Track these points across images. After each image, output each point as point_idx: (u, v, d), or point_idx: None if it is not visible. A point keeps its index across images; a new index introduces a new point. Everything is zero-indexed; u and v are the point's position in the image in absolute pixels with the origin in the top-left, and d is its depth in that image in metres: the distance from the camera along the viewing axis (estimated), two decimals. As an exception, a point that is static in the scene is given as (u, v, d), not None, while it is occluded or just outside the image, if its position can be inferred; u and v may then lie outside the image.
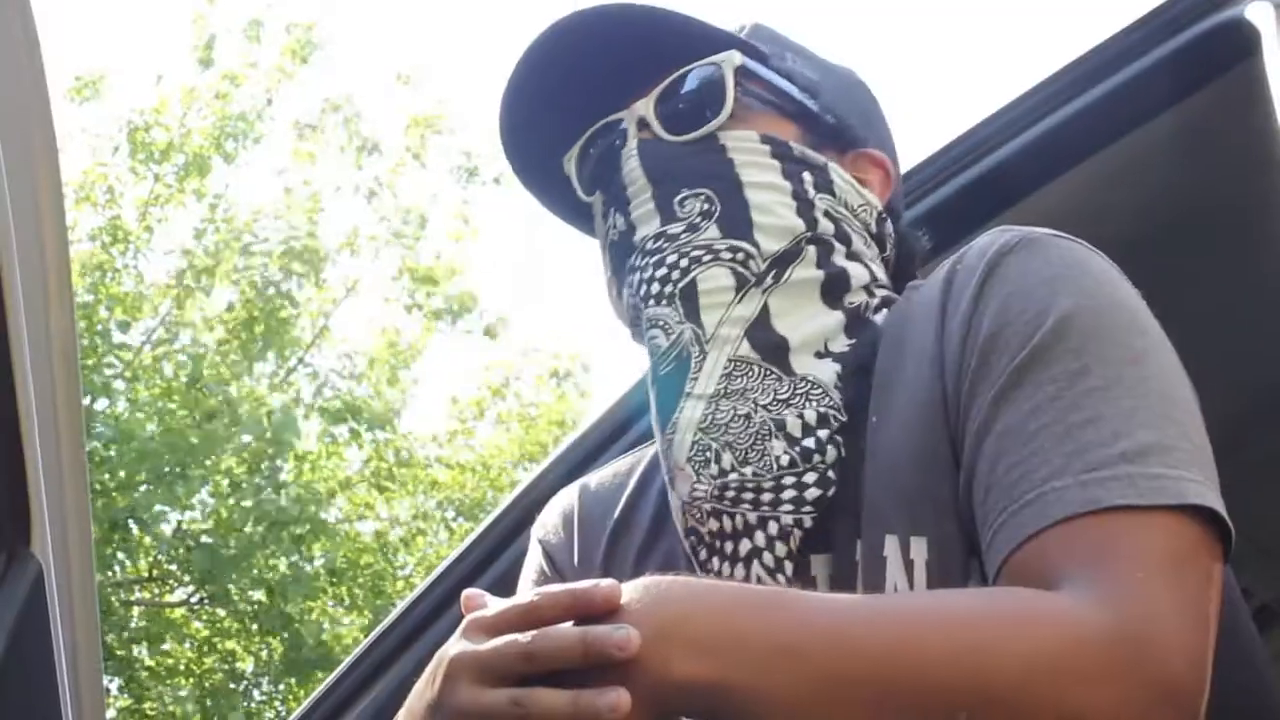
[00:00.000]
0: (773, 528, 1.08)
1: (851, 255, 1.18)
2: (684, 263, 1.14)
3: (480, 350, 12.26)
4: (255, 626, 10.97)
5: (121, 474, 9.86)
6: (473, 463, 12.03)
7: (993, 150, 1.73)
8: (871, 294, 1.18)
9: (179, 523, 10.25)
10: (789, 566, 1.08)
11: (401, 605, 1.88)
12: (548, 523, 1.30)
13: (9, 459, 1.10)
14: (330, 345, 11.81)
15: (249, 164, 11.59)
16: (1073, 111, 1.71)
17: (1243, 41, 1.58)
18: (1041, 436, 0.97)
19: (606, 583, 0.90)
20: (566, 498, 1.31)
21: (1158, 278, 1.13)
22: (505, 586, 1.27)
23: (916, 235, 1.31)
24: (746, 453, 1.09)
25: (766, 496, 1.08)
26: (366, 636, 1.98)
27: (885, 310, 1.17)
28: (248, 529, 10.13)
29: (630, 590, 0.90)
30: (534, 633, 0.89)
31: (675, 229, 1.15)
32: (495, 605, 0.93)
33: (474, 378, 12.26)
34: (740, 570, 1.09)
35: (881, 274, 1.21)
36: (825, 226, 1.17)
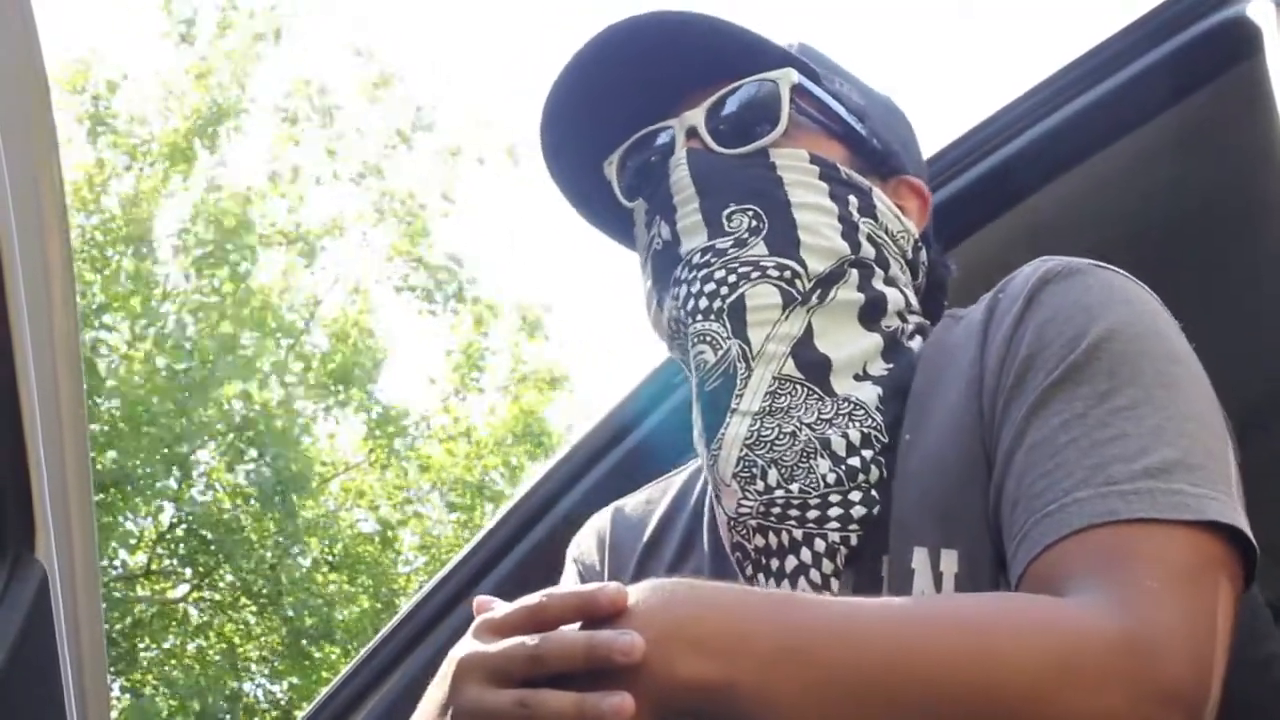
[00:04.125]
0: (819, 544, 1.09)
1: (889, 280, 1.19)
2: (732, 278, 1.14)
3: (453, 328, 12.21)
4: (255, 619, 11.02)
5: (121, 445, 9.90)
6: (460, 435, 12.04)
7: (993, 151, 1.73)
8: (905, 319, 1.19)
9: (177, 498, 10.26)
10: (835, 584, 1.09)
11: (409, 604, 1.88)
12: (582, 543, 1.32)
13: (13, 465, 1.10)
14: (322, 328, 11.84)
15: (233, 151, 11.59)
16: (1073, 111, 1.71)
17: (1244, 40, 1.57)
18: (1067, 451, 0.99)
19: (612, 585, 0.91)
20: (600, 520, 1.32)
21: (1159, 277, 1.13)
22: (512, 585, 1.27)
23: (946, 264, 1.32)
24: (792, 470, 1.10)
25: (813, 514, 1.09)
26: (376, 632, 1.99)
27: (919, 337, 1.18)
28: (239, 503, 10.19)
29: (637, 592, 0.91)
30: (541, 636, 0.89)
31: (724, 244, 1.15)
32: (504, 608, 0.94)
33: (449, 357, 12.26)
34: (786, 586, 1.09)
35: (914, 300, 1.22)
36: (867, 250, 1.18)
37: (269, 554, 10.69)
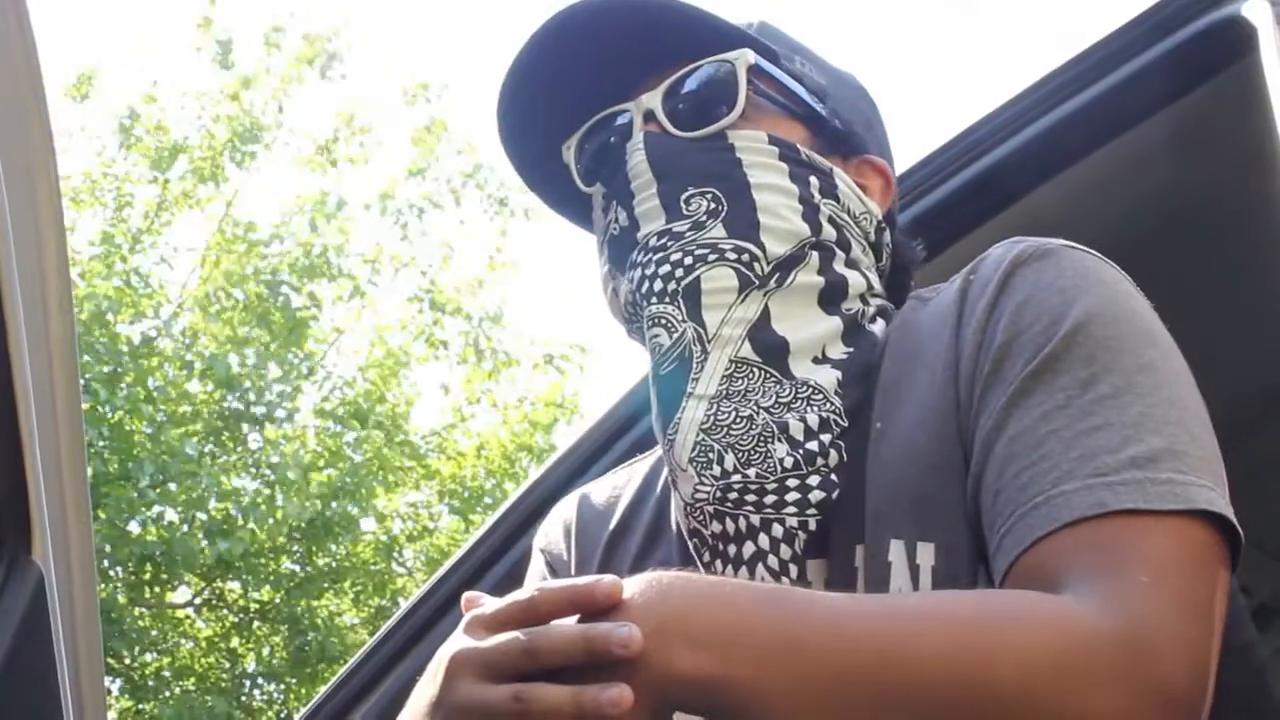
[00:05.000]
0: (777, 530, 1.08)
1: (850, 263, 1.18)
2: (688, 260, 1.13)
3: (469, 378, 12.18)
4: (258, 624, 11.01)
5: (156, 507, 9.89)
6: (470, 452, 12.02)
7: (990, 150, 1.73)
8: (866, 302, 1.17)
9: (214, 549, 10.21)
10: (794, 570, 1.08)
11: (407, 604, 1.88)
12: (549, 532, 1.31)
13: (9, 467, 1.10)
14: (343, 355, 11.79)
15: (262, 170, 11.52)
16: (1070, 110, 1.71)
17: (1240, 39, 1.58)
18: (1050, 442, 0.98)
19: (608, 578, 0.90)
20: (566, 508, 1.31)
21: (1155, 276, 1.13)
22: (510, 585, 1.27)
23: (911, 245, 1.31)
24: (749, 454, 1.08)
25: (770, 499, 1.08)
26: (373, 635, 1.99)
27: (880, 320, 1.17)
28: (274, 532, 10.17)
29: (631, 586, 0.91)
30: (537, 630, 0.89)
31: (681, 226, 1.14)
32: (495, 603, 0.94)
33: (464, 367, 12.22)
34: (744, 573, 1.09)
35: (877, 283, 1.21)
36: (828, 232, 1.17)
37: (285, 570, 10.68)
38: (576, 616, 0.90)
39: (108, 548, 9.39)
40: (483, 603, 0.95)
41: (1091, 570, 0.92)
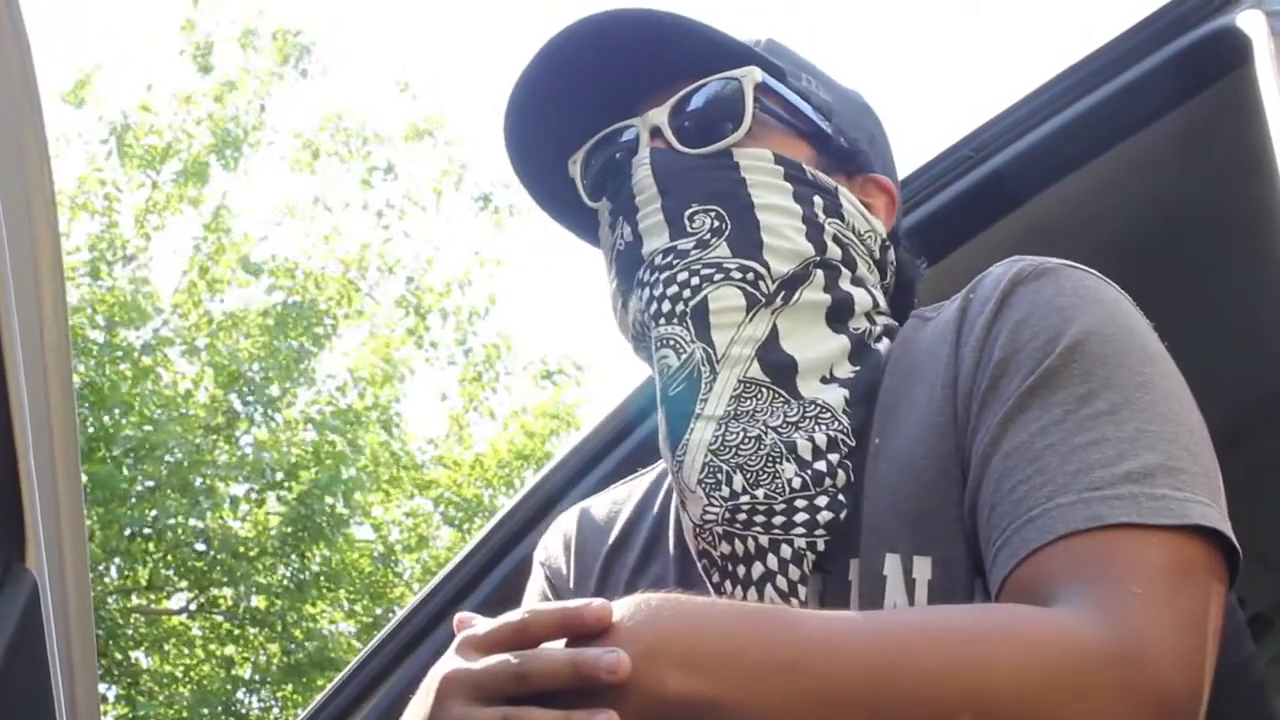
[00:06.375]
0: (785, 551, 1.08)
1: (856, 281, 1.18)
2: (695, 280, 1.13)
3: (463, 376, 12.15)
4: (254, 631, 11.00)
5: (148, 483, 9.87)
6: (469, 461, 12.01)
7: (989, 157, 1.73)
8: (873, 320, 1.18)
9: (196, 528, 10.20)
10: (802, 591, 1.08)
11: (401, 614, 1.88)
12: (549, 546, 1.31)
13: (3, 474, 1.10)
14: (333, 359, 11.76)
15: (249, 172, 11.48)
16: (1066, 119, 1.72)
17: (1235, 50, 1.58)
18: (1047, 456, 0.98)
19: (597, 602, 0.90)
20: (566, 522, 1.31)
21: (1151, 283, 1.14)
22: (505, 594, 1.27)
23: (914, 263, 1.31)
24: (758, 475, 1.09)
25: (778, 520, 1.08)
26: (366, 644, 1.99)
27: (886, 338, 1.17)
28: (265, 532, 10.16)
29: (621, 608, 0.91)
30: (526, 653, 0.89)
31: (685, 245, 1.14)
32: (486, 624, 0.94)
33: (458, 371, 12.20)
34: (753, 594, 1.08)
35: (882, 301, 1.21)
36: (833, 251, 1.17)
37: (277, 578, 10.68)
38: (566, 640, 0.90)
39: (96, 531, 9.39)
40: (475, 623, 0.96)
41: (1085, 583, 0.92)
